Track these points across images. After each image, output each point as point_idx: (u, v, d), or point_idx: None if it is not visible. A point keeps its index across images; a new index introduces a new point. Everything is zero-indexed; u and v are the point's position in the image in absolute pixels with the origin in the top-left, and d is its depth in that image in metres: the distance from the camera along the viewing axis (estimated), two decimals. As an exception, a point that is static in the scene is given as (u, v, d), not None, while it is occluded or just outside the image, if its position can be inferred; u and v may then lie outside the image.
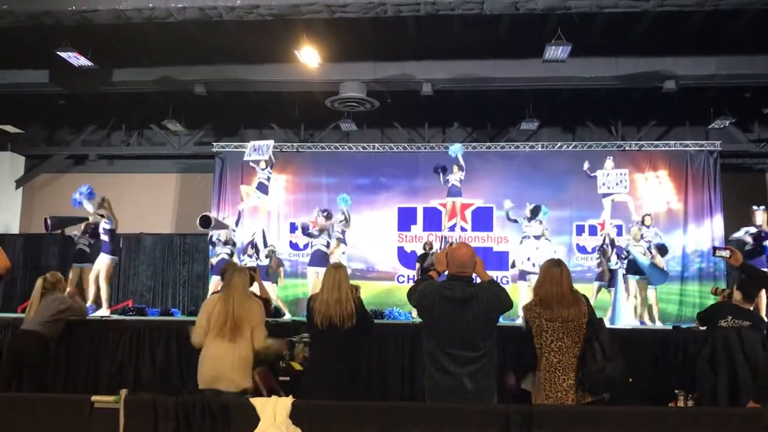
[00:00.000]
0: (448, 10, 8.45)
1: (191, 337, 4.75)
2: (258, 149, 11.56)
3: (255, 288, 5.55)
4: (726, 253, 4.41)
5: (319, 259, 10.64)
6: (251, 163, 11.84)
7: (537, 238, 10.62)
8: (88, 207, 9.90)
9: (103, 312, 9.63)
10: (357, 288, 5.01)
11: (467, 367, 3.89)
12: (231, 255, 10.83)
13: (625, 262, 10.11)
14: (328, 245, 10.83)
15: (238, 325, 4.54)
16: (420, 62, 11.05)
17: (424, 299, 4.06)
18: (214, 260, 11.06)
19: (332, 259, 11.02)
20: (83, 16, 8.65)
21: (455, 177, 12.16)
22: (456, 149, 12.06)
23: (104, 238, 9.72)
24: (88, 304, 9.59)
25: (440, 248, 11.40)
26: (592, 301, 4.49)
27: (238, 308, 4.59)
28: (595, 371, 3.91)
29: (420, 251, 11.79)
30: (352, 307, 4.63)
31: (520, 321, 5.67)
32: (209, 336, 4.59)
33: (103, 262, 9.69)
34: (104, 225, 9.72)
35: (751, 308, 5.57)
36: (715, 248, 4.70)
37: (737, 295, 5.57)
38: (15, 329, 7.02)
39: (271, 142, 11.70)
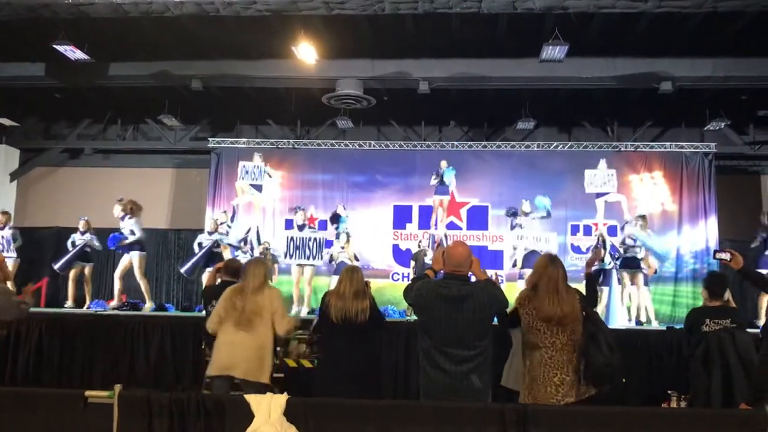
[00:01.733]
0: (446, 8, 8.44)
1: (207, 324, 4.90)
2: (250, 172, 11.71)
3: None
4: (726, 256, 4.39)
5: (302, 252, 10.92)
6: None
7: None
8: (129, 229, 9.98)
9: (148, 305, 10.03)
10: (368, 283, 5.10)
11: (463, 365, 3.90)
12: (217, 245, 10.88)
13: (618, 261, 10.19)
14: (312, 237, 11.00)
15: (255, 314, 4.65)
16: (417, 60, 11.03)
17: (420, 298, 4.07)
18: (195, 247, 11.12)
19: (346, 256, 11.07)
20: (80, 10, 8.61)
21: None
22: (449, 175, 12.34)
23: (132, 237, 9.87)
24: (114, 300, 10.06)
25: (429, 247, 11.43)
26: None
27: (255, 298, 4.70)
28: (603, 365, 3.92)
29: (415, 249, 11.80)
30: (367, 303, 4.84)
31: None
32: (226, 324, 4.70)
33: (134, 257, 9.92)
34: (132, 227, 9.86)
35: (721, 304, 5.54)
36: (715, 251, 4.70)
37: (704, 294, 5.58)
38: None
39: (262, 165, 11.83)
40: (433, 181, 12.75)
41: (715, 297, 5.47)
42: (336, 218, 11.65)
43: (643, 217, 10.92)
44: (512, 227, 11.63)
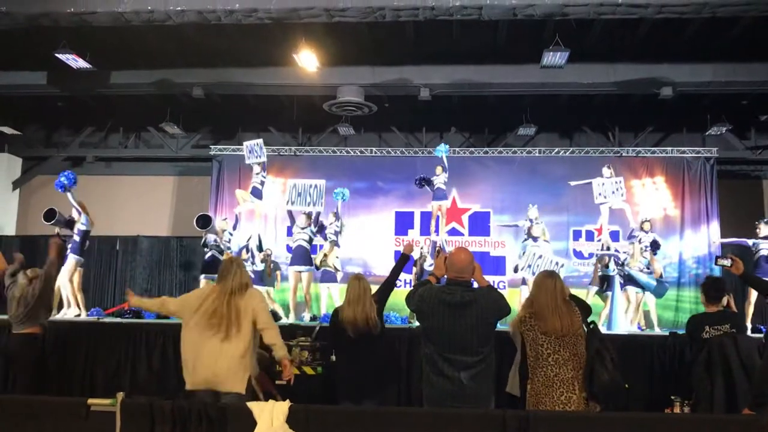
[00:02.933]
0: (447, 15, 8.46)
1: (158, 301, 4.66)
2: (252, 151, 11.51)
3: None
4: (727, 262, 4.41)
5: (301, 256, 10.59)
6: (248, 164, 11.84)
7: (535, 239, 10.67)
8: (70, 197, 9.75)
9: (74, 312, 9.53)
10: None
11: (465, 371, 3.90)
12: (221, 253, 10.77)
13: (623, 271, 10.12)
14: (310, 241, 10.79)
15: (235, 319, 4.13)
16: (418, 67, 11.06)
17: (423, 304, 4.07)
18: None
19: (329, 264, 10.94)
20: (82, 18, 8.65)
21: (440, 180, 12.09)
22: (442, 149, 12.00)
23: (76, 237, 9.57)
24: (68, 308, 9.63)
25: (429, 253, 11.38)
26: None
27: (236, 301, 4.19)
28: (608, 381, 3.91)
29: (417, 255, 11.77)
30: (375, 317, 4.93)
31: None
32: (198, 330, 4.14)
33: (69, 263, 9.41)
34: (80, 226, 9.60)
35: (721, 308, 5.56)
36: (716, 257, 4.71)
37: (702, 299, 5.60)
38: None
39: (260, 141, 11.60)
40: (435, 179, 12.38)
41: (713, 302, 5.49)
42: (321, 228, 11.67)
43: (654, 243, 10.70)
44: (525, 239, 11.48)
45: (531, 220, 11.01)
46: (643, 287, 10.02)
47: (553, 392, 3.92)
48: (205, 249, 10.93)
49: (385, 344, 5.23)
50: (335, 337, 5.15)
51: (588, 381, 3.92)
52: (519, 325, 4.19)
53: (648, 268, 10.15)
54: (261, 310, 4.29)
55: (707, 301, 5.50)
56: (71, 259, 9.48)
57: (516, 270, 11.34)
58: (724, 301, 5.58)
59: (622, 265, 10.19)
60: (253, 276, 10.30)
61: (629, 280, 10.08)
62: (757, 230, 9.71)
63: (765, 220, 9.83)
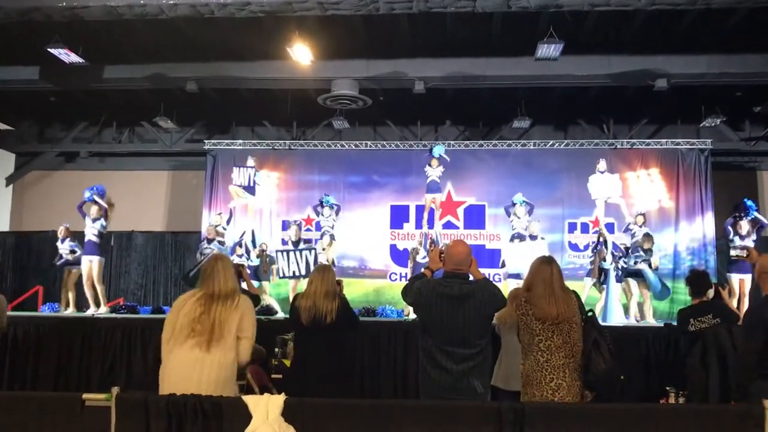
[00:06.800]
0: (441, 7, 8.44)
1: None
2: (241, 176, 11.84)
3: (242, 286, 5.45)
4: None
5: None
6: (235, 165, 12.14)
7: (532, 238, 10.70)
8: (94, 207, 9.99)
9: (102, 310, 9.72)
10: (340, 282, 5.02)
11: (463, 364, 3.91)
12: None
13: (621, 264, 10.13)
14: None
15: (222, 327, 3.57)
16: (412, 60, 11.04)
17: (420, 297, 4.06)
18: (198, 257, 11.02)
19: (326, 258, 11.01)
20: (74, 13, 8.59)
21: (435, 172, 12.08)
22: (438, 150, 12.08)
23: (96, 240, 9.87)
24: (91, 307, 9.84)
25: (423, 246, 11.40)
26: (582, 298, 4.49)
27: (223, 308, 3.63)
28: (605, 371, 3.89)
29: (411, 248, 11.79)
30: (337, 303, 4.65)
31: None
32: (175, 341, 3.58)
33: (96, 263, 9.84)
34: (100, 228, 9.90)
35: (706, 300, 5.62)
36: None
37: (688, 291, 5.70)
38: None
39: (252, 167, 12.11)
40: (430, 171, 12.38)
41: (697, 295, 5.60)
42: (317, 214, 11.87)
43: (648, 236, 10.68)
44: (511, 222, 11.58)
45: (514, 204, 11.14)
46: (649, 285, 10.04)
47: (542, 378, 3.90)
48: (201, 257, 10.92)
49: (343, 339, 4.81)
50: (293, 325, 4.95)
51: (585, 369, 3.92)
52: (515, 309, 4.18)
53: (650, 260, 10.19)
54: (246, 337, 3.69)
55: (692, 294, 5.61)
56: (96, 259, 9.86)
57: (503, 264, 11.42)
58: (710, 293, 5.64)
59: (627, 257, 10.19)
60: (248, 271, 10.28)
61: (635, 274, 10.09)
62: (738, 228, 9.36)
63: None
